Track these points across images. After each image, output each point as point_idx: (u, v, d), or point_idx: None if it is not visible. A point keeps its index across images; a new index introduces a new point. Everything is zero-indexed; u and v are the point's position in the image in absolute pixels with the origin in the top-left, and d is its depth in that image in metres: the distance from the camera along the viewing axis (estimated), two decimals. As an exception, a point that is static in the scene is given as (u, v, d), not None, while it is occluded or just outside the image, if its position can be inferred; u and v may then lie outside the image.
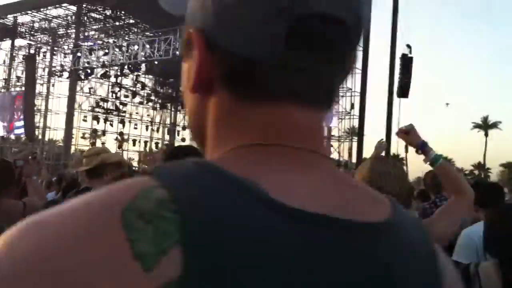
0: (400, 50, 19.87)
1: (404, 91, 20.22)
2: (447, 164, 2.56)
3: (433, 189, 5.73)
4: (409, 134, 2.59)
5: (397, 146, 25.72)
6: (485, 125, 73.91)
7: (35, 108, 29.73)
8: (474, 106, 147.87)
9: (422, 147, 2.55)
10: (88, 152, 3.98)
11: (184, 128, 36.14)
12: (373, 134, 45.05)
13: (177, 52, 24.73)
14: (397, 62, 19.90)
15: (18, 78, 31.14)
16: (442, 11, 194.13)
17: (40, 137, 31.90)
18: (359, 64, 22.45)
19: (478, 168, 67.41)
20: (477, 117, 77.32)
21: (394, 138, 21.59)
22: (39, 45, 31.80)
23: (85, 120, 31.53)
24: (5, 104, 28.69)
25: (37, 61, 29.24)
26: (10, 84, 31.42)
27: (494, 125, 74.12)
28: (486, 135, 72.95)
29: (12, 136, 31.99)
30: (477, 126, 74.74)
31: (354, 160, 23.56)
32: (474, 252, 3.41)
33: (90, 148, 4.29)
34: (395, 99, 20.80)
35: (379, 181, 2.35)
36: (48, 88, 31.48)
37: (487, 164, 67.31)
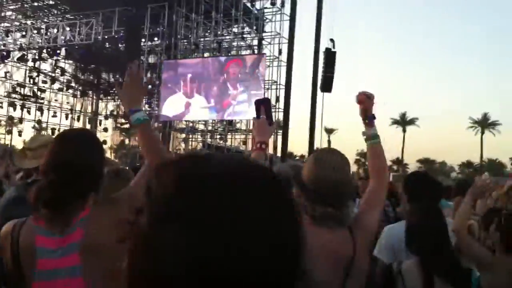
0: (324, 44, 20.18)
1: (327, 85, 20.50)
2: (380, 145, 2.54)
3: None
4: (370, 100, 2.55)
5: (321, 140, 26.19)
6: (403, 121, 76.75)
7: None
8: (393, 102, 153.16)
9: (371, 119, 2.54)
10: (33, 144, 3.61)
11: (106, 117, 35.13)
12: (298, 128, 45.55)
13: (99, 37, 23.98)
14: (321, 56, 20.20)
15: None
16: (366, 6, 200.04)
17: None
18: (284, 57, 22.66)
19: (396, 164, 69.85)
20: (395, 113, 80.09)
21: (317, 132, 22.01)
22: (-51, 23, 29.79)
23: (0, 107, 29.94)
24: None
25: None
26: None
27: (412, 121, 77.13)
28: (404, 131, 75.83)
29: None
30: (395, 122, 77.45)
31: (279, 153, 23.75)
32: (391, 250, 3.52)
33: (33, 137, 4.00)
34: (319, 93, 21.10)
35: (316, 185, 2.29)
36: (-42, 71, 29.60)
37: (405, 160, 69.97)
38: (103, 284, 1.92)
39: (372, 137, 2.53)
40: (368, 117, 2.54)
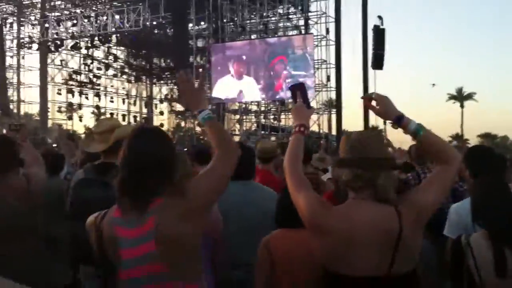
0: (372, 21, 19.60)
1: (378, 63, 20.07)
2: (429, 134, 2.34)
3: (417, 161, 5.74)
4: (378, 103, 2.38)
5: (375, 118, 25.59)
6: (460, 96, 74.00)
7: (6, 81, 29.15)
8: (448, 77, 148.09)
9: (398, 121, 2.34)
10: (100, 128, 3.86)
11: (161, 101, 35.71)
12: (351, 106, 45.04)
13: (147, 23, 24.21)
14: (370, 33, 19.65)
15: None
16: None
17: (15, 110, 31.20)
18: (332, 35, 22.18)
19: (456, 139, 67.71)
20: (451, 88, 77.30)
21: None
22: (4, 15, 30.89)
23: (59, 94, 30.95)
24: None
25: (4, 32, 28.49)
26: (-23, 57, 30.56)
27: (469, 96, 74.24)
28: (462, 106, 73.16)
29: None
30: (452, 97, 74.78)
31: (334, 132, 23.54)
32: (463, 229, 3.37)
33: (100, 121, 4.40)
34: (370, 70, 20.64)
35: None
36: (18, 61, 30.74)
37: (465, 135, 67.58)
38: (179, 269, 2.14)
39: (416, 133, 2.33)
40: (393, 121, 2.36)
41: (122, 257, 2.14)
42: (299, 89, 2.71)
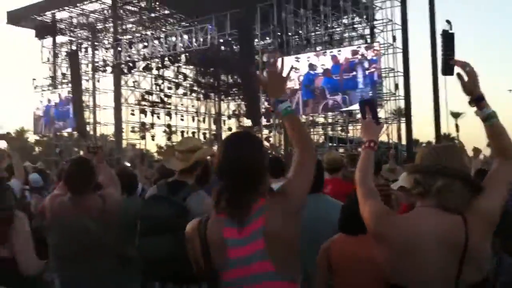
0: (440, 26, 19.20)
1: (448, 68, 19.31)
2: (500, 124, 2.37)
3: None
4: (469, 76, 2.39)
5: (447, 126, 24.89)
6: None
7: (83, 104, 30.45)
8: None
9: (478, 100, 2.38)
10: (183, 147, 3.93)
11: (229, 117, 36.26)
12: (421, 114, 43.85)
13: (215, 41, 24.74)
14: (439, 39, 19.26)
15: (64, 75, 31.69)
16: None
17: (91, 132, 32.52)
18: (399, 43, 21.87)
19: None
20: (529, 92, 73.62)
21: (443, 117, 20.98)
22: (79, 41, 32.42)
23: (133, 114, 31.96)
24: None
25: (79, 57, 29.88)
26: (57, 82, 32.15)
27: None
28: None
29: (65, 133, 32.92)
30: (521, 92, 71.30)
31: (403, 141, 23.11)
32: None
33: (183, 140, 4.49)
34: (440, 76, 20.18)
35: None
36: (93, 84, 32.03)
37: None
38: (287, 265, 2.18)
39: (488, 118, 2.37)
40: (474, 101, 2.39)
41: (230, 257, 2.18)
42: (369, 105, 2.74)
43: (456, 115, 61.21)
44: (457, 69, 2.44)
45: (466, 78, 2.38)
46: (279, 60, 2.52)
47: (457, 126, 60.51)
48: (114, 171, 4.56)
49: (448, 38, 20.02)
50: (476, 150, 5.22)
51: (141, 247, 3.63)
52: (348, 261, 3.06)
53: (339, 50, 22.52)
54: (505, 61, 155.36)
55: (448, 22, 20.35)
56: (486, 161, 5.61)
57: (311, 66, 22.90)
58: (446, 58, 16.53)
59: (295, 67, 23.31)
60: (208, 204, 3.62)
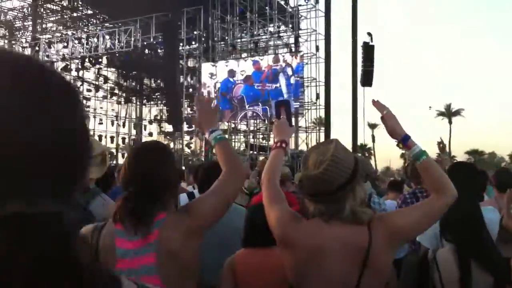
0: (362, 38, 19.94)
1: (367, 80, 20.32)
2: (431, 161, 2.37)
3: (414, 180, 5.68)
4: (385, 118, 2.40)
5: (364, 136, 25.85)
6: (448, 113, 74.80)
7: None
8: (437, 93, 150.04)
9: (404, 141, 2.36)
10: (95, 152, 3.65)
11: (150, 122, 35.74)
12: (340, 124, 45.31)
13: (138, 44, 24.39)
14: (359, 50, 19.98)
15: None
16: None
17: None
18: (322, 53, 22.51)
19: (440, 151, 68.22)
20: (440, 105, 78.20)
21: (360, 127, 21.74)
22: (-5, 39, 30.98)
23: (48, 116, 30.79)
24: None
25: (-6, 55, 28.49)
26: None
27: (457, 112, 75.09)
28: (450, 122, 73.96)
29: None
30: (440, 113, 75.59)
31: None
32: (434, 237, 3.44)
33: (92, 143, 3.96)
34: (359, 87, 20.90)
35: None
36: (8, 84, 30.56)
37: (452, 152, 68.08)
38: (178, 283, 2.08)
39: (419, 157, 2.34)
40: (401, 141, 2.37)
41: (117, 267, 2.07)
42: (284, 106, 2.74)
43: (373, 126, 63.62)
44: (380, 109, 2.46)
45: (388, 122, 2.40)
46: (206, 95, 2.54)
47: (373, 136, 63.03)
48: None
49: (368, 50, 20.89)
50: (439, 144, 5.38)
51: None
52: (254, 274, 3.03)
53: (262, 59, 22.88)
54: (420, 73, 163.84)
55: (369, 34, 21.17)
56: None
57: (231, 73, 23.07)
58: (365, 69, 17.24)
59: (212, 72, 23.44)
60: (112, 208, 3.63)
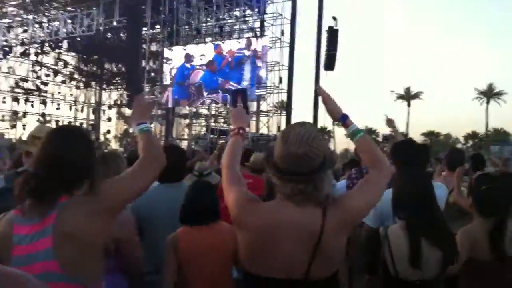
0: (327, 23, 20.21)
1: (330, 64, 20.54)
2: (366, 138, 2.46)
3: (359, 158, 5.76)
4: (323, 100, 2.53)
5: (324, 119, 26.30)
6: (408, 96, 76.67)
7: None
8: (396, 77, 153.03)
9: (342, 120, 2.49)
10: (40, 133, 3.61)
11: (110, 107, 35.31)
12: (302, 108, 45.61)
13: (101, 28, 24.01)
14: (324, 35, 20.26)
15: None
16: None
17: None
18: (287, 37, 22.70)
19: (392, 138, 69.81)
20: (400, 88, 79.95)
21: (321, 111, 22.12)
22: (-48, 22, 29.77)
23: (4, 102, 30.15)
24: None
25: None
26: None
27: (416, 95, 77.08)
28: (409, 105, 75.85)
29: None
30: (400, 97, 77.36)
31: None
32: (379, 217, 3.55)
33: (39, 127, 4.14)
34: (322, 71, 21.18)
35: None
36: (-37, 68, 29.66)
37: (410, 134, 69.73)
38: (76, 266, 2.03)
39: (354, 135, 2.47)
40: (340, 119, 2.50)
41: (14, 254, 2.02)
42: (241, 94, 2.81)
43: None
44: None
45: (328, 104, 2.53)
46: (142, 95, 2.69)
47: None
48: None
49: (333, 34, 21.21)
50: (388, 120, 5.55)
51: None
52: (196, 251, 3.15)
53: (223, 42, 22.84)
54: (380, 57, 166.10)
55: (334, 18, 21.42)
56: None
57: (188, 58, 22.86)
58: (329, 53, 17.55)
59: (167, 57, 23.19)
60: None
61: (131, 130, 38.34)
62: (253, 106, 24.82)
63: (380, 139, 5.75)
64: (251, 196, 2.32)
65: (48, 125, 26.90)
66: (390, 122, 5.31)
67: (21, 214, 2.08)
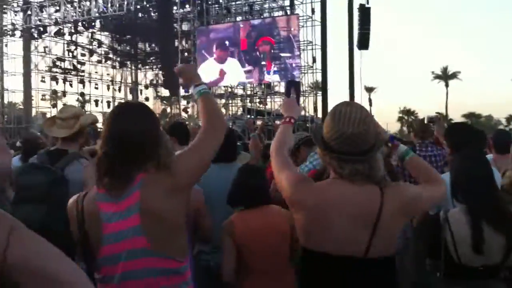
0: (359, 0, 19.61)
1: (364, 43, 20.08)
2: (416, 157, 2.57)
3: (418, 135, 5.81)
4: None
5: (361, 99, 25.70)
6: (445, 76, 74.44)
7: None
8: (433, 56, 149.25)
9: (391, 141, 2.59)
10: (64, 114, 3.76)
11: (146, 86, 35.53)
12: (337, 87, 45.16)
13: (131, 7, 24.00)
14: (355, 13, 19.67)
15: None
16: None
17: (-1, 100, 30.91)
18: (317, 16, 22.15)
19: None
20: (437, 68, 77.73)
21: (357, 91, 21.59)
22: (-15, 3, 30.36)
23: (43, 81, 30.56)
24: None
25: (-15, 20, 28.16)
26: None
27: (454, 75, 74.72)
28: (447, 85, 73.69)
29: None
30: (437, 76, 75.23)
31: (320, 115, 23.49)
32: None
33: (64, 108, 4.13)
34: (356, 50, 20.68)
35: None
36: (1, 49, 30.24)
37: (449, 115, 68.08)
38: (164, 242, 2.13)
39: (404, 155, 2.57)
40: (388, 142, 2.60)
41: (104, 232, 2.10)
42: (294, 86, 2.92)
43: (369, 89, 63.48)
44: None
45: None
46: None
47: (370, 100, 62.81)
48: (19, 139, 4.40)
49: (365, 12, 20.47)
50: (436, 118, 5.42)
51: (13, 216, 3.41)
52: (253, 234, 3.25)
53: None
54: (416, 35, 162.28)
55: (365, -5, 20.63)
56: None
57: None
58: (362, 32, 16.93)
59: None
60: (88, 172, 3.55)
61: (168, 110, 38.84)
62: (281, 86, 24.61)
63: (426, 121, 5.80)
64: (304, 176, 2.45)
65: (77, 105, 27.37)
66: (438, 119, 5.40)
67: (103, 193, 2.14)
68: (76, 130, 3.69)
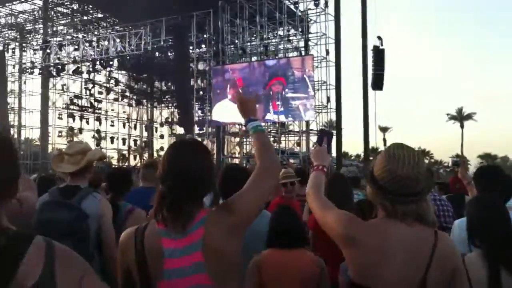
0: (372, 42, 19.81)
1: (378, 83, 20.25)
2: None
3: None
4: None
5: (376, 139, 25.64)
6: (460, 117, 74.10)
7: (8, 107, 29.25)
8: (448, 97, 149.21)
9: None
10: (71, 150, 3.82)
11: (161, 124, 35.84)
12: (351, 127, 45.25)
13: (149, 47, 24.41)
14: (370, 54, 19.85)
15: (-12, 76, 30.30)
16: (413, 2, 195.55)
17: (15, 136, 31.23)
18: (332, 57, 22.37)
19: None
20: (451, 109, 77.48)
21: (371, 131, 21.60)
22: (7, 41, 31.19)
23: (60, 118, 31.00)
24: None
25: (6, 58, 28.70)
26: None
27: (469, 116, 74.37)
28: (462, 126, 73.30)
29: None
30: (452, 117, 74.94)
31: (333, 154, 23.45)
32: (463, 243, 3.36)
33: (72, 144, 4.18)
34: (370, 91, 20.80)
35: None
36: (20, 86, 30.82)
37: (465, 156, 67.46)
38: (224, 280, 2.12)
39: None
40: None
41: (166, 267, 2.09)
42: (327, 136, 3.01)
43: (384, 129, 63.37)
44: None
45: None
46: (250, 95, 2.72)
47: (384, 140, 62.63)
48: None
49: (379, 54, 20.76)
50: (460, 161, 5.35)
51: None
52: (279, 273, 3.31)
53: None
54: (431, 76, 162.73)
55: (379, 38, 21.01)
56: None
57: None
58: (376, 73, 17.15)
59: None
60: (105, 206, 3.68)
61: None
62: (302, 125, 24.64)
63: (450, 164, 5.69)
64: (352, 215, 2.42)
65: (87, 141, 27.52)
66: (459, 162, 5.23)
67: (165, 228, 2.14)
68: (83, 166, 3.72)
